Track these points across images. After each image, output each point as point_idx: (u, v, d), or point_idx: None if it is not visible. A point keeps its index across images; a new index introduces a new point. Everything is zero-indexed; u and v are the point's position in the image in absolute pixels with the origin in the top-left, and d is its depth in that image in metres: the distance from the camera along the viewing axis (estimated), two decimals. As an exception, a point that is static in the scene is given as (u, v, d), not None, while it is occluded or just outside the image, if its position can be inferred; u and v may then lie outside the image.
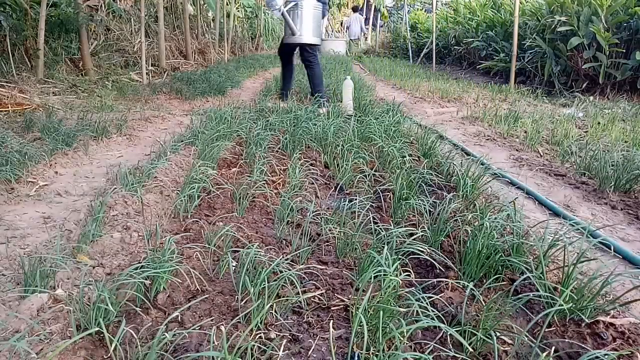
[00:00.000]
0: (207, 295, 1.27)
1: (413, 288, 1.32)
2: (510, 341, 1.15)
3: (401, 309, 1.14)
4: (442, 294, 1.30)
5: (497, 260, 1.40)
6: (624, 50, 5.40)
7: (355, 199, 1.79)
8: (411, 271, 1.41)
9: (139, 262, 1.38)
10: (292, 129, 2.93)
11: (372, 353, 1.04)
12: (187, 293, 1.30)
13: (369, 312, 1.14)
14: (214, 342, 1.04)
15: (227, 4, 10.16)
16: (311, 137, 2.83)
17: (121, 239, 1.59)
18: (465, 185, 2.05)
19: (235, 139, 2.94)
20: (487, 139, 3.48)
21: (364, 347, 0.99)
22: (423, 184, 2.13)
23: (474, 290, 1.21)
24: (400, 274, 1.31)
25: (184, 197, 1.84)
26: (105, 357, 1.06)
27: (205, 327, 1.12)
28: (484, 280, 1.37)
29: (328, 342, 1.10)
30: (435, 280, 1.36)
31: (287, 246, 1.64)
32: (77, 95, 4.66)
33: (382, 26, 19.90)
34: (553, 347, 1.04)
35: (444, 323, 1.12)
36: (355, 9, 16.50)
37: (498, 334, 1.15)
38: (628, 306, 1.26)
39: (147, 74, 5.93)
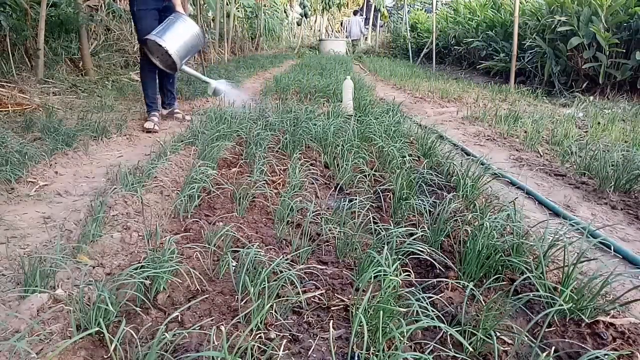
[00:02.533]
0: (207, 295, 1.27)
1: (413, 288, 1.32)
2: (510, 341, 1.15)
3: (401, 309, 1.14)
4: (442, 294, 1.30)
5: (497, 260, 1.40)
6: (624, 50, 5.40)
7: (355, 199, 1.79)
8: (411, 271, 1.41)
9: (139, 262, 1.38)
10: (292, 129, 2.93)
11: (372, 353, 1.04)
12: (187, 293, 1.30)
13: (369, 312, 1.14)
14: (214, 342, 1.04)
15: (227, 4, 10.17)
16: (311, 137, 2.83)
17: (121, 239, 1.59)
18: (465, 185, 2.05)
19: (235, 139, 2.93)
20: (487, 139, 3.48)
21: (364, 347, 0.99)
22: (423, 184, 2.13)
23: (474, 290, 1.21)
24: (400, 274, 1.31)
25: (184, 197, 1.84)
26: (105, 357, 1.06)
27: (205, 327, 1.12)
28: (484, 280, 1.37)
29: (328, 342, 1.10)
30: (435, 280, 1.36)
31: (287, 246, 1.64)
32: (77, 95, 4.66)
33: (382, 26, 19.92)
34: (553, 347, 1.04)
35: (444, 323, 1.12)
36: (355, 13, 17.84)
37: (498, 334, 1.15)
38: (628, 306, 1.26)
39: (147, 74, 5.91)
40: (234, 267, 1.41)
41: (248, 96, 3.66)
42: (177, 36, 3.34)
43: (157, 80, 3.74)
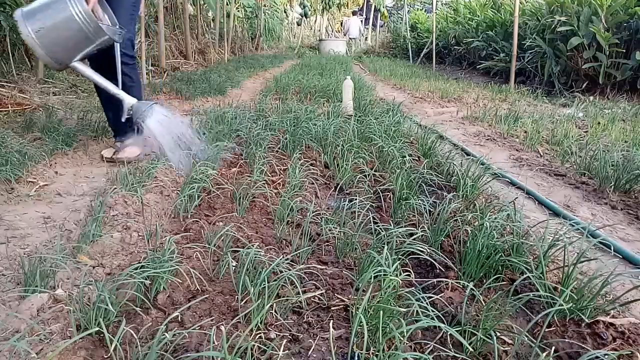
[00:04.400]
0: (207, 295, 1.27)
1: (413, 288, 1.32)
2: (510, 341, 1.15)
3: (401, 309, 1.14)
4: (442, 294, 1.30)
5: (497, 260, 1.40)
6: (624, 50, 5.40)
7: (355, 199, 1.79)
8: (411, 271, 1.41)
9: (139, 262, 1.38)
10: (292, 129, 2.93)
11: (372, 353, 1.04)
12: (187, 293, 1.30)
13: (369, 312, 1.14)
14: (214, 342, 1.04)
15: (227, 4, 10.16)
16: (311, 137, 2.83)
17: (121, 239, 1.59)
18: (465, 185, 2.05)
19: (235, 139, 2.93)
20: (487, 139, 3.48)
21: (364, 347, 0.99)
22: (423, 184, 2.12)
23: (474, 290, 1.21)
24: (400, 274, 1.30)
25: (184, 197, 1.84)
26: (105, 357, 1.06)
27: (205, 327, 1.12)
28: (484, 280, 1.37)
29: (328, 342, 1.10)
30: (435, 280, 1.36)
31: (287, 246, 1.64)
32: (77, 95, 4.66)
33: (382, 26, 19.93)
34: (553, 347, 1.04)
35: (444, 323, 1.12)
36: (354, 13, 18.60)
37: (498, 334, 1.15)
38: (628, 306, 1.26)
39: (147, 74, 5.92)
40: (234, 267, 1.41)
41: (189, 131, 2.32)
42: (49, 18, 2.06)
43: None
